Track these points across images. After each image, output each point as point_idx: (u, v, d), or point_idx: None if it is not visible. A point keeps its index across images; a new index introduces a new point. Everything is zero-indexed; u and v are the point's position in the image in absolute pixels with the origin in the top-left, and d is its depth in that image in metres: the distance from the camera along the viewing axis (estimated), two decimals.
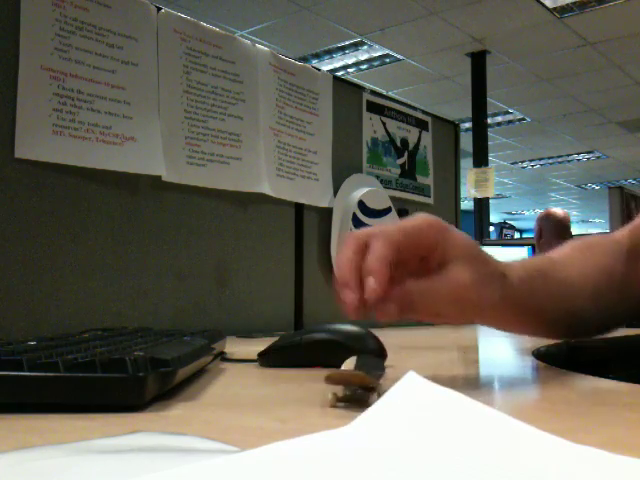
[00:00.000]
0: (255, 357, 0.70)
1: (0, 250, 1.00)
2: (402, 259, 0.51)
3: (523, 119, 7.66)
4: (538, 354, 0.85)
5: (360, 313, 0.49)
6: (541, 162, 9.57)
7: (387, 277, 0.48)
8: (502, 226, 12.78)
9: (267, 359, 0.69)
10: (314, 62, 5.79)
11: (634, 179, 10.60)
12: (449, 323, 0.56)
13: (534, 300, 0.58)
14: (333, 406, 0.43)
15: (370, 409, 0.28)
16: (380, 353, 0.66)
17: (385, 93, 2.20)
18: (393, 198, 1.76)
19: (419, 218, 0.53)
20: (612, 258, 0.67)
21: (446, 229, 0.53)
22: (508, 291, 0.55)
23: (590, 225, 14.98)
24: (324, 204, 1.56)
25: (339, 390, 0.44)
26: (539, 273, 0.60)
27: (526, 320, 0.60)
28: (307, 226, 1.53)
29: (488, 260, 0.54)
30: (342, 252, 0.51)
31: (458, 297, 0.51)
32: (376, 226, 0.53)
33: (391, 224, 0.53)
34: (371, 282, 0.48)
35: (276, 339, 0.71)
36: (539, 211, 3.23)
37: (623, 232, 0.72)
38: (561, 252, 0.67)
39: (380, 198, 1.70)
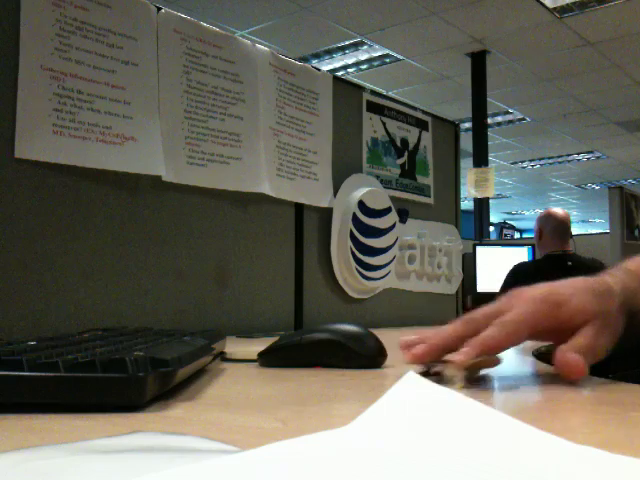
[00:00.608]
0: (255, 357, 0.70)
1: (0, 250, 1.00)
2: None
3: (523, 119, 7.66)
4: (538, 354, 0.85)
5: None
6: (541, 162, 9.57)
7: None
8: (502, 226, 12.79)
9: (267, 359, 0.69)
10: (314, 62, 5.78)
11: (634, 179, 10.60)
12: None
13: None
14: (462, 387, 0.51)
15: (370, 409, 0.28)
16: (380, 353, 0.66)
17: (385, 93, 2.20)
18: (393, 198, 1.76)
19: (535, 301, 0.57)
20: None
21: (559, 304, 0.57)
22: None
23: (590, 225, 14.98)
24: (324, 204, 1.56)
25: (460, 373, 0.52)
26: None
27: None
28: (307, 226, 1.53)
29: (608, 310, 0.58)
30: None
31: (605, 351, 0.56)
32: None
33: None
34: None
35: (276, 339, 0.71)
36: (539, 211, 3.23)
37: None
38: None
39: (380, 198, 1.70)
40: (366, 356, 0.65)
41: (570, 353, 0.53)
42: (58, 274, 1.07)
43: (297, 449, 0.24)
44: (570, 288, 0.58)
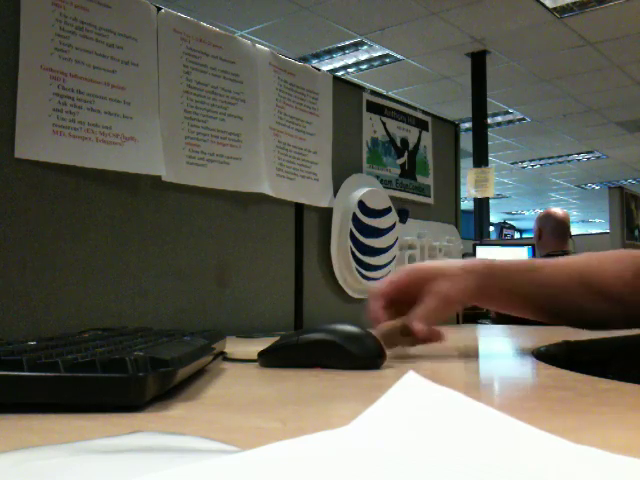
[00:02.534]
0: (255, 357, 0.70)
1: (0, 250, 1.00)
2: (401, 298, 0.77)
3: (523, 119, 7.67)
4: (538, 354, 0.85)
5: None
6: (541, 162, 9.57)
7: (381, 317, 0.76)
8: (502, 226, 12.77)
9: (267, 359, 0.69)
10: (314, 62, 5.79)
11: (634, 179, 10.60)
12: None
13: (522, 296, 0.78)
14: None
15: (370, 409, 0.28)
16: (378, 354, 0.66)
17: (385, 93, 2.20)
18: (393, 198, 1.76)
19: (399, 271, 0.78)
20: (626, 268, 0.76)
21: (414, 268, 0.79)
22: (479, 280, 0.75)
23: (590, 225, 14.98)
24: (324, 204, 1.56)
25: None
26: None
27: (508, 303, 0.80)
28: (307, 226, 1.53)
29: (451, 268, 0.76)
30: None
31: (441, 300, 0.75)
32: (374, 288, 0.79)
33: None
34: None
35: (276, 339, 0.71)
36: (539, 211, 3.23)
37: None
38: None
39: (380, 198, 1.70)
40: (365, 357, 0.65)
41: (415, 323, 0.72)
42: (58, 274, 1.07)
43: (297, 449, 0.24)
44: (440, 262, 0.77)
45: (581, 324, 0.82)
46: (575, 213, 13.42)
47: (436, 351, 0.91)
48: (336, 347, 0.64)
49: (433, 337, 0.74)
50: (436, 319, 0.74)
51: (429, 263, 0.78)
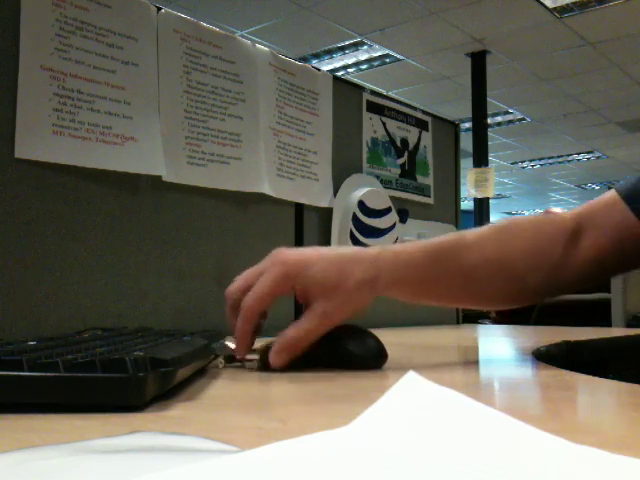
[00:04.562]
0: (255, 357, 0.70)
1: (0, 250, 1.00)
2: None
3: (523, 119, 7.66)
4: (538, 354, 0.85)
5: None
6: (541, 162, 9.56)
7: (246, 341, 0.67)
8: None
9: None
10: (314, 62, 5.79)
11: None
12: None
13: (421, 283, 0.68)
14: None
15: (370, 409, 0.28)
16: (380, 353, 0.66)
17: (385, 93, 2.20)
18: (393, 198, 1.76)
19: (272, 274, 0.64)
20: (545, 240, 0.72)
21: (296, 275, 0.63)
22: (381, 288, 0.64)
23: None
24: (324, 204, 1.56)
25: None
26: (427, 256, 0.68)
27: (419, 296, 0.70)
28: (307, 226, 1.53)
29: (346, 279, 0.62)
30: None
31: (331, 324, 0.63)
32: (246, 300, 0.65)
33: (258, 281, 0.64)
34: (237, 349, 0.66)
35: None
36: (539, 211, 3.23)
37: (573, 212, 0.75)
38: (477, 233, 0.72)
39: (380, 198, 1.70)
40: (366, 357, 0.65)
41: (273, 351, 0.62)
42: (58, 274, 1.07)
43: (297, 449, 0.24)
44: (317, 256, 0.63)
45: (490, 305, 0.78)
46: None
47: (436, 351, 0.91)
48: (337, 347, 0.64)
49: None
50: (310, 341, 0.64)
51: (319, 267, 0.63)
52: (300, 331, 0.63)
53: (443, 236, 0.71)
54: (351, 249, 0.68)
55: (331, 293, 0.62)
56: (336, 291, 0.62)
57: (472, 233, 0.71)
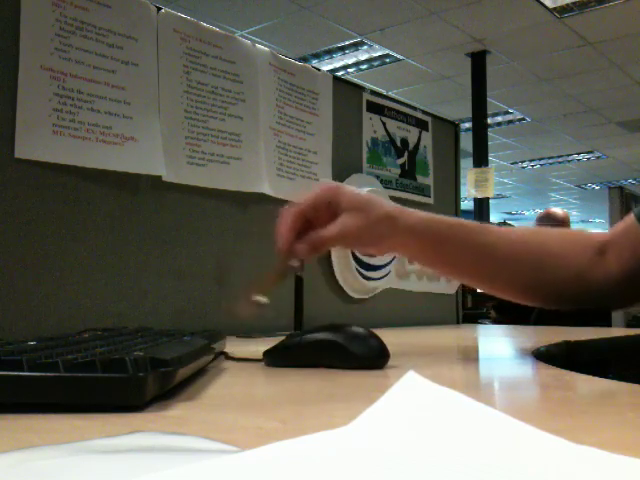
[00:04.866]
0: (259, 357, 0.70)
1: (0, 250, 1.00)
2: (314, 217, 0.70)
3: (523, 119, 7.66)
4: (538, 354, 0.85)
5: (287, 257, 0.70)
6: (541, 162, 9.56)
7: (288, 237, 0.69)
8: (502, 226, 12.76)
9: (271, 358, 0.69)
10: (314, 62, 5.78)
11: (634, 179, 10.59)
12: (364, 253, 0.76)
13: (434, 240, 0.72)
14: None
15: (370, 409, 0.28)
16: (382, 353, 0.66)
17: (385, 93, 2.20)
18: (393, 198, 1.75)
19: (318, 185, 0.73)
20: (575, 243, 0.75)
21: (337, 188, 0.71)
22: (400, 229, 0.70)
23: (590, 225, 14.98)
24: None
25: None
26: (448, 225, 0.74)
27: (428, 256, 0.75)
28: None
29: (375, 207, 0.70)
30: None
31: (345, 236, 0.69)
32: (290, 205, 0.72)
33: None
34: (279, 243, 0.69)
35: (276, 339, 0.71)
36: (539, 211, 3.23)
37: (599, 233, 0.79)
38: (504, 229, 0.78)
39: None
40: (367, 357, 0.65)
41: (298, 246, 0.68)
42: (58, 274, 1.07)
43: (297, 449, 0.24)
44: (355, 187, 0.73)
45: (508, 294, 0.78)
46: (575, 213, 13.42)
47: (436, 351, 0.91)
48: (339, 347, 0.64)
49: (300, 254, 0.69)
50: (324, 249, 0.70)
51: (355, 190, 0.72)
52: (320, 236, 0.69)
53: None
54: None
55: (357, 211, 0.69)
56: (362, 212, 0.69)
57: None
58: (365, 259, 1.64)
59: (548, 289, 0.74)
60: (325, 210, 0.70)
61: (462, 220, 0.75)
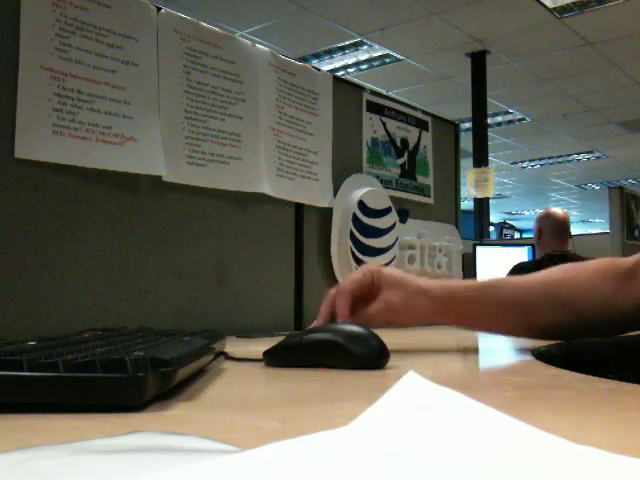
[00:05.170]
0: (259, 356, 0.70)
1: (0, 250, 1.00)
2: (361, 296, 0.80)
3: (523, 119, 7.66)
4: (538, 354, 0.85)
5: None
6: (541, 162, 9.56)
7: (346, 314, 0.77)
8: (502, 226, 12.77)
9: (272, 358, 0.69)
10: (314, 62, 5.79)
11: (634, 179, 10.60)
12: (401, 326, 0.86)
13: (469, 307, 0.81)
14: None
15: (370, 409, 0.28)
16: (382, 353, 0.66)
17: (385, 93, 2.20)
18: (393, 198, 1.76)
19: (361, 269, 0.82)
20: (598, 274, 0.80)
21: (379, 270, 0.81)
22: (435, 301, 0.79)
23: (590, 225, 14.98)
24: (324, 204, 1.56)
25: None
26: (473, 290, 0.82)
27: (467, 319, 0.83)
28: (307, 226, 1.53)
29: (409, 284, 0.80)
30: (322, 305, 0.81)
31: (389, 310, 0.79)
32: (340, 285, 0.81)
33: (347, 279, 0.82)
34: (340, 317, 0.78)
35: (276, 339, 0.71)
36: (539, 211, 3.23)
37: (634, 256, 0.82)
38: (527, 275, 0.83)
39: (380, 198, 1.70)
40: (368, 357, 0.65)
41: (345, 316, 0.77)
42: (58, 274, 1.07)
43: (297, 449, 0.24)
44: (404, 275, 0.81)
45: (542, 336, 0.84)
46: (575, 213, 13.42)
47: (436, 351, 0.91)
48: (339, 347, 0.64)
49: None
50: (373, 325, 0.76)
51: (392, 270, 0.83)
52: (370, 314, 0.79)
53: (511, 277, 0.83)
54: (432, 281, 0.83)
55: (395, 288, 0.79)
56: (399, 288, 0.79)
57: (534, 275, 0.81)
58: (365, 259, 1.64)
59: (574, 326, 0.80)
60: (368, 289, 0.80)
61: (484, 281, 0.82)
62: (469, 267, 3.46)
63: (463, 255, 2.09)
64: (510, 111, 7.37)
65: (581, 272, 0.81)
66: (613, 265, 0.81)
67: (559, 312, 0.78)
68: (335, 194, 1.59)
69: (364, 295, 0.80)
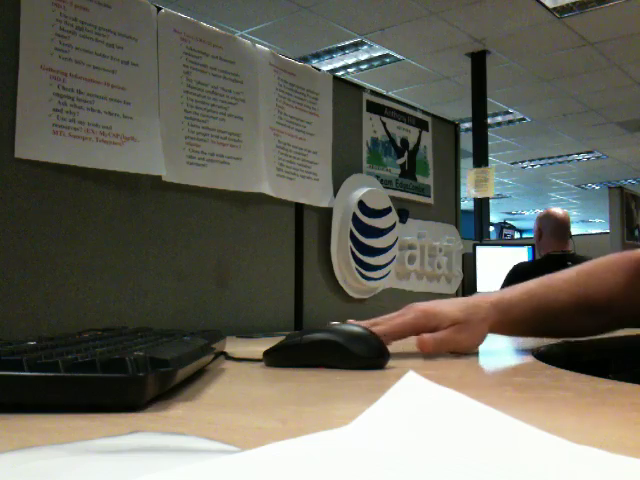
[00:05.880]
0: (258, 357, 0.70)
1: (0, 250, 1.00)
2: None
3: (523, 119, 7.66)
4: (538, 354, 0.85)
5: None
6: (541, 162, 9.56)
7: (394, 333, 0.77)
8: (502, 226, 12.77)
9: (272, 358, 0.69)
10: (314, 62, 5.79)
11: (634, 179, 10.59)
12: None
13: (521, 323, 0.84)
14: None
15: (370, 409, 0.28)
16: (382, 353, 0.66)
17: (385, 93, 2.20)
18: (393, 198, 1.76)
19: (409, 314, 0.79)
20: (620, 272, 0.84)
21: (433, 315, 0.78)
22: (496, 323, 0.81)
23: (590, 225, 14.98)
24: (324, 204, 1.56)
25: None
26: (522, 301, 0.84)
27: (520, 331, 0.87)
28: (307, 226, 1.53)
29: (473, 318, 0.79)
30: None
31: (457, 348, 0.80)
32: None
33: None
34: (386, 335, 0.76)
35: (276, 339, 0.71)
36: (539, 211, 3.23)
37: None
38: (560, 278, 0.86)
39: (380, 198, 1.70)
40: (368, 357, 0.65)
41: (426, 335, 0.75)
42: (58, 274, 1.07)
43: (297, 449, 0.24)
44: (446, 304, 0.80)
45: (571, 335, 0.92)
46: (575, 213, 13.42)
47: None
48: (339, 347, 0.64)
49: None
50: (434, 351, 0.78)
51: (434, 306, 0.80)
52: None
53: (537, 280, 0.86)
54: (470, 298, 0.84)
55: (460, 327, 0.78)
56: (465, 325, 0.78)
57: (556, 278, 0.85)
58: (365, 259, 1.64)
59: (609, 325, 0.87)
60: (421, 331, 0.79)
61: (535, 290, 0.84)
62: (469, 267, 3.47)
63: (463, 255, 2.09)
64: (510, 111, 7.37)
65: (592, 273, 0.85)
66: (633, 256, 0.84)
67: (586, 317, 0.83)
68: (335, 194, 1.59)
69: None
